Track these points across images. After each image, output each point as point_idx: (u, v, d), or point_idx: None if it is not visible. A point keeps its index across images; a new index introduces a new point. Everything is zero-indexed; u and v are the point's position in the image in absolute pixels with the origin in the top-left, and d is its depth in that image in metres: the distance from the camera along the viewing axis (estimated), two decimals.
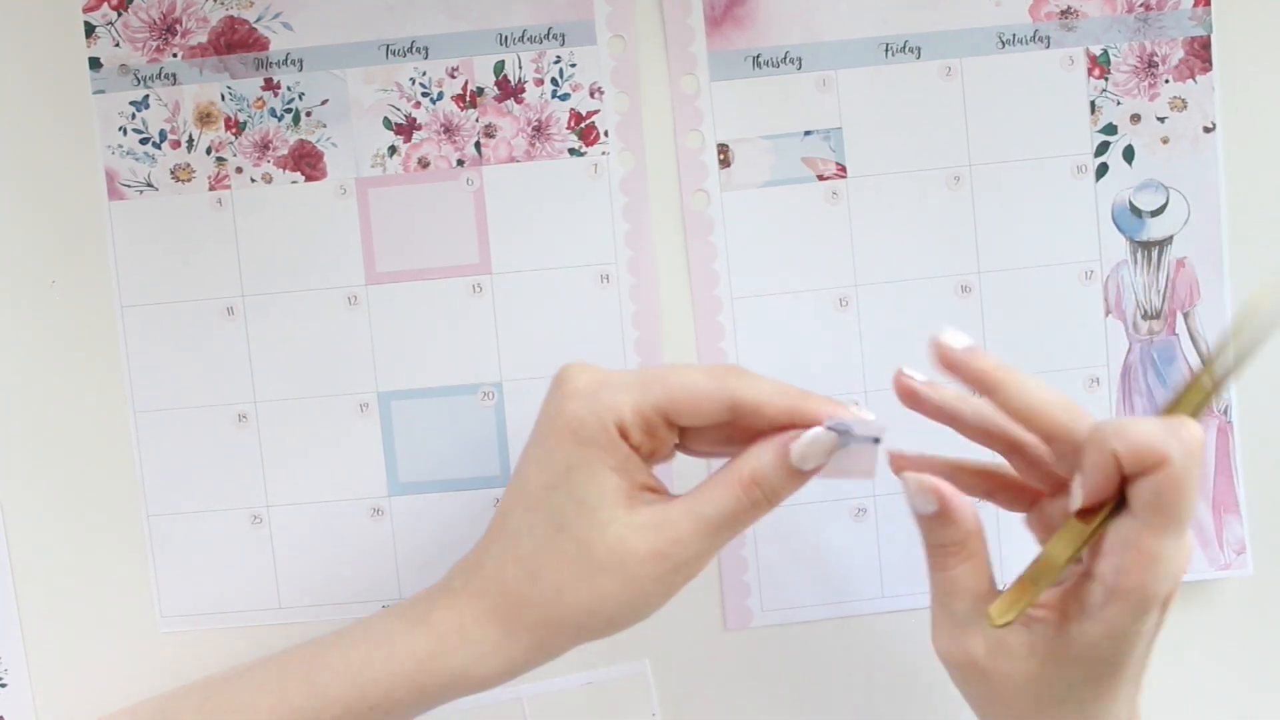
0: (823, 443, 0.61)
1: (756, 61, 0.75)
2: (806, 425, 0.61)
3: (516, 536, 0.63)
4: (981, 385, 0.62)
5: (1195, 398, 0.59)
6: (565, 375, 0.62)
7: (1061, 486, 0.63)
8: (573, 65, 0.74)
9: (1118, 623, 0.58)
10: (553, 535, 0.62)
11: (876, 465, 0.61)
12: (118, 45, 0.74)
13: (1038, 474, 0.64)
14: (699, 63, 0.75)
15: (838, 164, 0.75)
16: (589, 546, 0.62)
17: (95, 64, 0.74)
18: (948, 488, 0.62)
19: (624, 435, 0.61)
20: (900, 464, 0.63)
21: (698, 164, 0.75)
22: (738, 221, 0.75)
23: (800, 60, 0.75)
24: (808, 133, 0.75)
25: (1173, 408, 0.59)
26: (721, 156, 0.75)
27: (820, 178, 0.75)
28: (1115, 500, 0.58)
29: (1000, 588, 0.62)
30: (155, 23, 0.74)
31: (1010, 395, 0.61)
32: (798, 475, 0.62)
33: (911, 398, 0.63)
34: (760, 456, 0.62)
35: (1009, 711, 0.63)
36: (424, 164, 0.74)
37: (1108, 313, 0.75)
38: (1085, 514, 0.59)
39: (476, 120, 0.74)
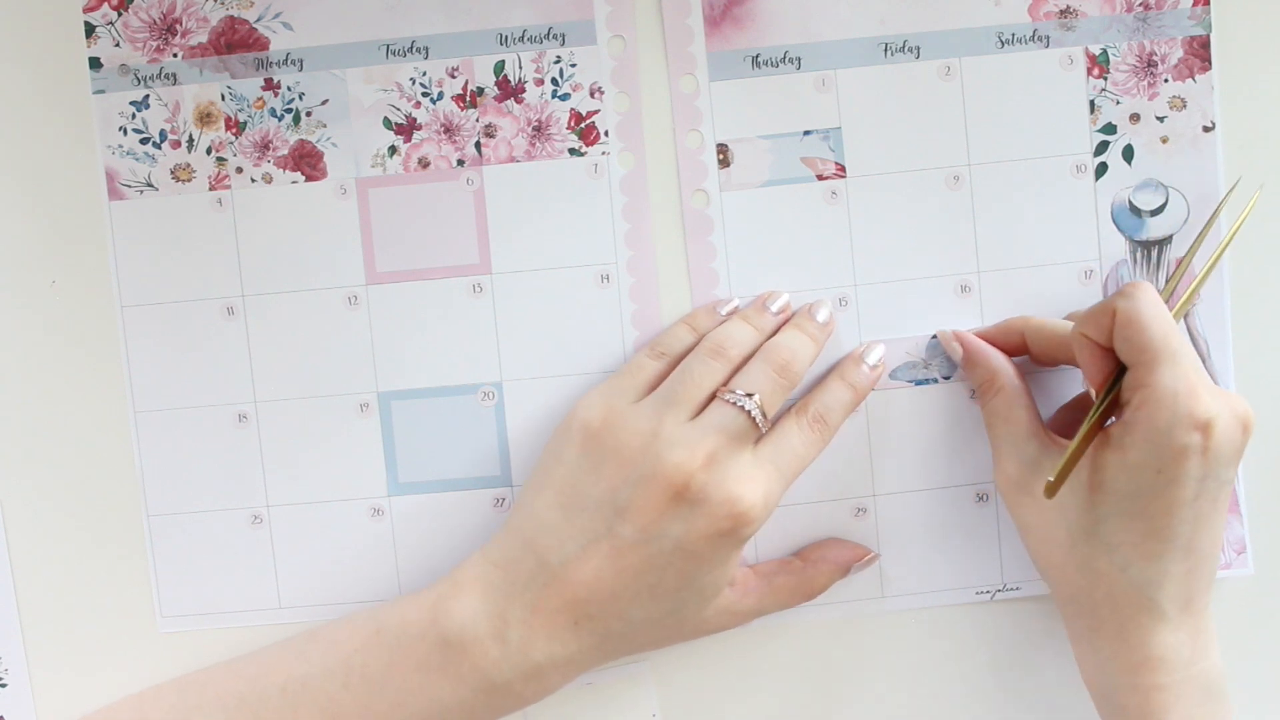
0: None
1: (755, 61, 0.75)
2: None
3: (630, 601, 0.69)
4: (1013, 334, 0.74)
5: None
6: (743, 497, 0.68)
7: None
8: (573, 65, 0.74)
9: (1135, 452, 0.65)
10: (662, 617, 0.70)
11: None
12: (118, 45, 0.74)
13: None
14: (698, 63, 0.75)
15: (837, 164, 0.75)
16: (683, 623, 0.71)
17: (95, 64, 0.74)
18: (968, 336, 0.74)
19: None
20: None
21: (697, 164, 0.75)
22: (737, 221, 0.75)
23: (799, 60, 0.75)
24: (807, 132, 0.75)
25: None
26: (721, 156, 0.75)
27: (819, 177, 0.75)
28: (1115, 375, 0.68)
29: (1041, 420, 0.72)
30: (155, 23, 0.74)
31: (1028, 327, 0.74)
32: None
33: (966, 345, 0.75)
34: (825, 576, 0.75)
35: (1048, 540, 0.71)
36: (424, 164, 0.74)
37: None
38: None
39: (476, 120, 0.74)
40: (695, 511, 0.67)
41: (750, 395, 0.68)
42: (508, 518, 0.72)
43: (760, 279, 0.75)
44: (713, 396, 0.69)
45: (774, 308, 0.74)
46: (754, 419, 0.68)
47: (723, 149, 0.75)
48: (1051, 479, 0.66)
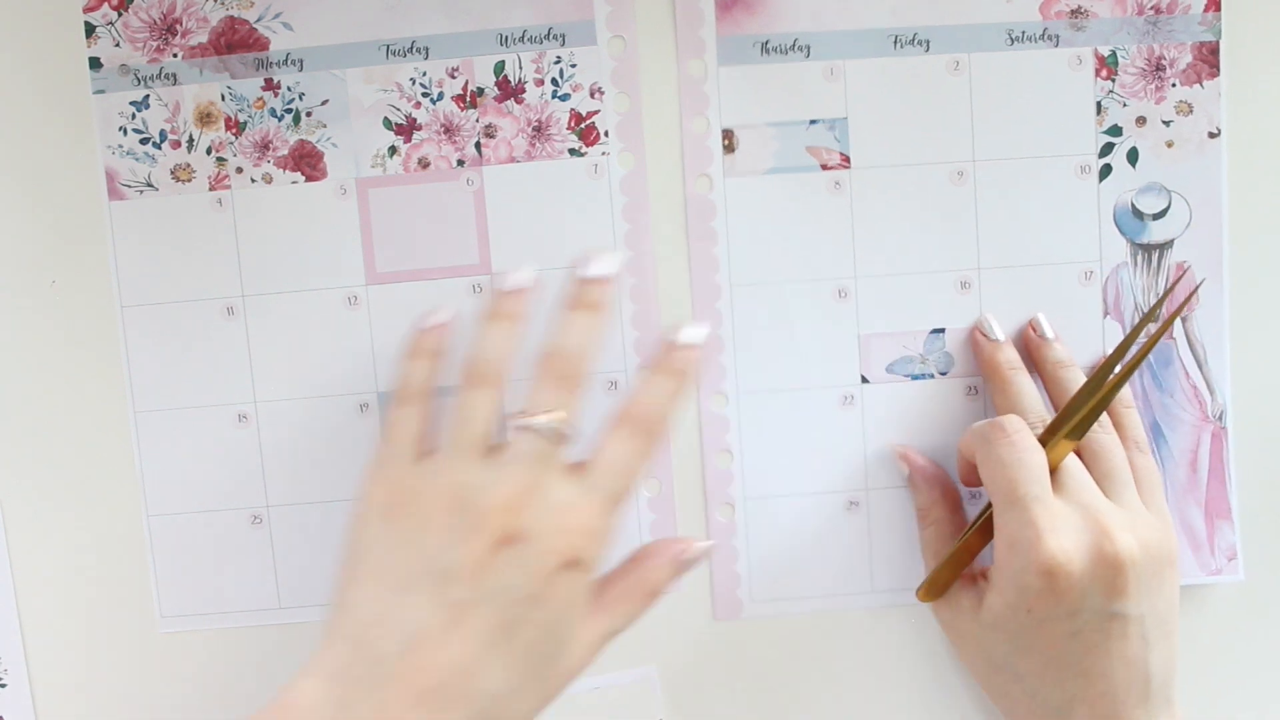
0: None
1: (765, 48, 0.74)
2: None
3: (483, 672, 0.60)
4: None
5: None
6: (573, 525, 0.62)
7: None
8: (573, 65, 0.74)
9: (1005, 593, 0.67)
10: (522, 682, 0.62)
11: None
12: (118, 45, 0.74)
13: None
14: (707, 46, 0.74)
15: (842, 154, 0.75)
16: (546, 681, 0.63)
17: (95, 64, 0.74)
18: (915, 458, 0.75)
19: None
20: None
21: (702, 149, 0.75)
22: (739, 208, 0.75)
23: (809, 48, 0.74)
24: (813, 121, 0.75)
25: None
26: (726, 142, 0.75)
27: (824, 167, 0.75)
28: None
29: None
30: (155, 23, 0.73)
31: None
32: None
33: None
34: (659, 571, 0.67)
35: (974, 669, 0.72)
36: (424, 164, 0.74)
37: (1106, 314, 0.75)
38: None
39: (476, 120, 0.74)
40: (528, 551, 0.61)
41: (548, 413, 0.63)
42: (325, 625, 0.63)
43: (761, 266, 0.75)
44: (502, 424, 0.64)
45: (506, 287, 0.68)
46: (558, 434, 0.63)
47: (728, 134, 0.75)
48: (918, 588, 0.73)
